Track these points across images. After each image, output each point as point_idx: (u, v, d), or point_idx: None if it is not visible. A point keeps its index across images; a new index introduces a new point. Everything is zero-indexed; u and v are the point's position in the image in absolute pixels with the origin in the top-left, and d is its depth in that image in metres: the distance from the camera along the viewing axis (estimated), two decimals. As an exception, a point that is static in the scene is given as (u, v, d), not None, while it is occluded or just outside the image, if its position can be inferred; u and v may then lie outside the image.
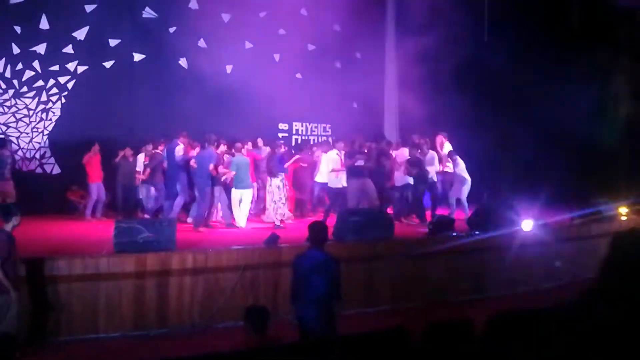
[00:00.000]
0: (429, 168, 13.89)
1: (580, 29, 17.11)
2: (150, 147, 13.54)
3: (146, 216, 12.98)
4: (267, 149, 14.32)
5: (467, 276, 10.75)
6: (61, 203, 14.51)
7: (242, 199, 12.83)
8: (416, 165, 13.64)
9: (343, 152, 13.62)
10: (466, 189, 14.13)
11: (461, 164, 14.08)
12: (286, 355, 4.29)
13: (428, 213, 13.68)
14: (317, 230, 6.43)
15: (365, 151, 13.89)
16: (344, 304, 6.68)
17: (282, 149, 13.60)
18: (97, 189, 13.67)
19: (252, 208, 13.72)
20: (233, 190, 12.83)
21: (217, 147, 13.22)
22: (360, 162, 13.02)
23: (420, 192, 13.81)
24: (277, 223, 12.69)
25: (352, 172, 13.03)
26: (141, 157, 13.59)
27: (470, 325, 3.85)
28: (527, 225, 11.49)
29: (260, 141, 14.86)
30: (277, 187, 12.93)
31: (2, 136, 13.75)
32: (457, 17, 16.69)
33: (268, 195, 13.13)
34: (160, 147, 13.56)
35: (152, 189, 13.41)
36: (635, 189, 15.10)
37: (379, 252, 10.17)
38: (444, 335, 3.73)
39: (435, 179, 14.11)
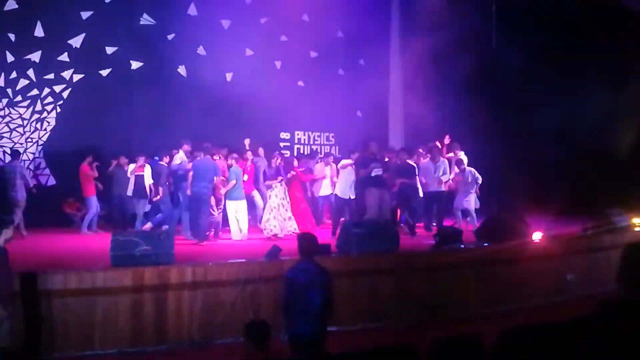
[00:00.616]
0: (442, 177, 13.79)
1: (592, 35, 17.08)
2: (143, 158, 13.46)
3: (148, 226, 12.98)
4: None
5: (476, 290, 10.69)
6: (57, 215, 14.50)
7: (238, 211, 12.83)
8: (406, 174, 13.45)
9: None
10: (474, 198, 14.14)
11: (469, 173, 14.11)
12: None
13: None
14: (308, 242, 6.45)
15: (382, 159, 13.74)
16: (348, 319, 6.67)
17: (278, 160, 13.63)
18: (95, 202, 13.73)
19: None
20: (227, 202, 12.83)
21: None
22: (378, 172, 12.74)
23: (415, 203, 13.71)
24: (265, 234, 12.76)
25: (371, 181, 12.72)
26: (132, 167, 13.51)
27: (480, 341, 3.81)
28: (538, 236, 11.45)
29: (261, 150, 14.78)
30: (275, 198, 12.96)
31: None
32: (464, 23, 16.70)
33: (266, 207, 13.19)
34: (165, 160, 13.52)
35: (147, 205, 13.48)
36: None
37: (384, 265, 10.13)
38: (452, 351, 3.70)
39: (443, 188, 13.97)
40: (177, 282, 8.77)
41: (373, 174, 12.67)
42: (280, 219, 12.91)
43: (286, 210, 13.08)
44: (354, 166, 13.38)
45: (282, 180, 13.20)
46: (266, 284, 9.20)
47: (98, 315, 8.36)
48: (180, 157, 13.07)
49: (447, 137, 15.08)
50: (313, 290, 6.10)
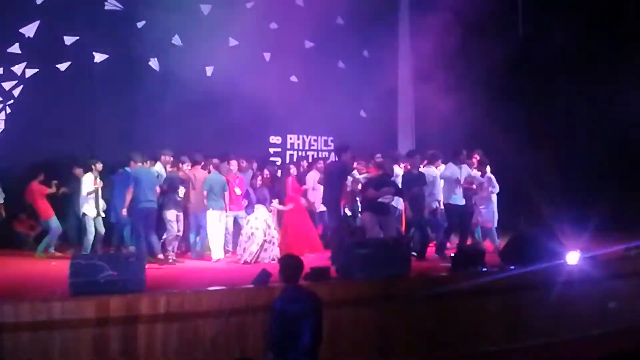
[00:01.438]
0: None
1: (635, 28, 17.16)
2: (100, 165, 13.44)
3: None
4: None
5: (501, 320, 10.69)
6: (7, 235, 14.47)
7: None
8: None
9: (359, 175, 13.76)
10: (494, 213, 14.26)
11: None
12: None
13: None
14: (293, 265, 6.57)
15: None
16: (350, 355, 6.69)
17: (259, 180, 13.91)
18: (56, 222, 13.75)
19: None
20: (209, 212, 13.12)
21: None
22: (387, 199, 12.70)
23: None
24: (243, 259, 12.87)
25: (374, 207, 12.70)
26: (89, 178, 13.37)
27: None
28: (573, 257, 11.46)
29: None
30: (254, 221, 13.10)
31: None
32: (486, 6, 16.75)
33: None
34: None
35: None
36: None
37: (393, 292, 10.12)
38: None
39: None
40: (148, 314, 8.74)
41: (380, 200, 12.62)
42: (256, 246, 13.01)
43: (264, 236, 13.10)
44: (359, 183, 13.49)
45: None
46: (254, 315, 9.17)
47: (55, 352, 8.32)
48: (158, 169, 13.25)
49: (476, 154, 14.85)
50: (305, 322, 6.12)
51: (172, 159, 13.58)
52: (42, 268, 11.91)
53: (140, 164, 12.87)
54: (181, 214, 13.19)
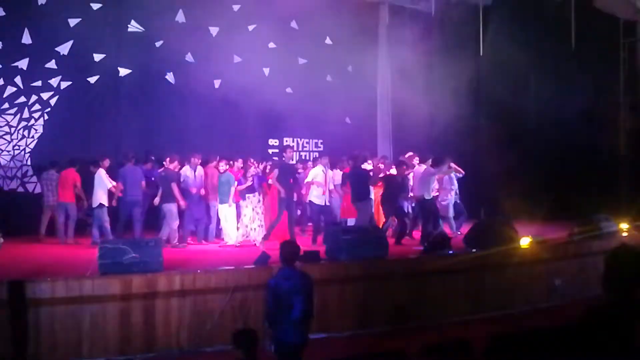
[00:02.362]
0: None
1: (577, 40, 17.23)
2: (107, 162, 13.29)
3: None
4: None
5: (465, 295, 10.71)
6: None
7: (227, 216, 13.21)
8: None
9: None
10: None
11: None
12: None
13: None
14: (289, 249, 6.54)
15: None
16: (337, 325, 6.69)
17: (253, 169, 13.66)
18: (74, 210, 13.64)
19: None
20: (224, 205, 13.15)
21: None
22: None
23: None
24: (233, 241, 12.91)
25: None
26: (102, 173, 13.04)
27: (469, 347, 3.81)
28: (526, 242, 11.48)
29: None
30: (247, 210, 13.05)
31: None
32: (451, 31, 16.80)
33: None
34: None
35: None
36: (637, 205, 15.13)
37: (373, 272, 10.13)
38: (442, 357, 3.70)
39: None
40: (165, 290, 8.74)
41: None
42: (246, 228, 12.99)
43: (253, 221, 13.07)
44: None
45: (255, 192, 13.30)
46: (255, 292, 9.17)
47: (86, 323, 8.32)
48: (185, 170, 13.35)
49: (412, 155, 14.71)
50: (297, 297, 6.14)
51: (199, 161, 13.64)
52: (75, 251, 11.85)
53: (129, 164, 12.97)
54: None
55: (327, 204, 13.58)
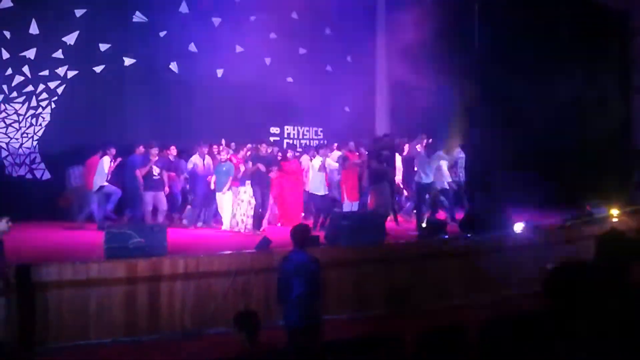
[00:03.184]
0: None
1: (570, 30, 17.16)
2: (113, 150, 13.27)
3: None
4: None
5: (460, 279, 10.72)
6: (52, 208, 14.38)
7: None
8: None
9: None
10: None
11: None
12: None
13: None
14: (299, 232, 6.57)
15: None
16: (335, 308, 6.68)
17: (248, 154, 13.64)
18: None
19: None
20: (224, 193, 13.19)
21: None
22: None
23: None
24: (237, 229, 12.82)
25: (384, 176, 12.90)
26: (106, 160, 13.13)
27: (464, 330, 3.81)
28: (519, 227, 11.48)
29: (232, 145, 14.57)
30: (244, 195, 12.94)
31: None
32: (447, 22, 16.71)
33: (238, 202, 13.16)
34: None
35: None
36: (627, 191, 15.13)
37: (371, 256, 10.13)
38: (438, 340, 3.69)
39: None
40: (169, 274, 8.74)
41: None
42: (243, 215, 12.91)
43: (251, 208, 12.99)
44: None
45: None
46: (257, 275, 9.19)
47: (92, 306, 8.32)
48: (194, 158, 13.59)
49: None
50: (298, 278, 6.17)
51: (207, 149, 13.84)
52: (81, 236, 11.83)
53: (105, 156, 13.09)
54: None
55: (327, 192, 13.52)
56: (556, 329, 2.92)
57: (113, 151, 13.22)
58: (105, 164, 13.01)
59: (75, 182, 13.85)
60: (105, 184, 13.01)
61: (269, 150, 13.32)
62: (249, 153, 13.66)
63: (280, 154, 14.47)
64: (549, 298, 3.05)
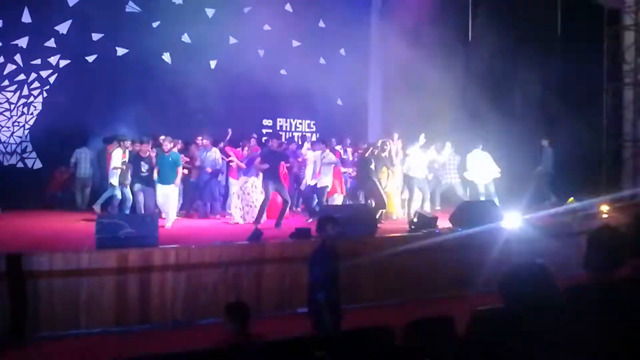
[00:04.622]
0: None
1: (564, 25, 17.21)
2: (129, 143, 13.35)
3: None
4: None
5: (450, 273, 10.75)
6: (43, 197, 14.38)
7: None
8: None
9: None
10: None
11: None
12: (267, 352, 4.27)
13: None
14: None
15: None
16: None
17: (246, 150, 13.63)
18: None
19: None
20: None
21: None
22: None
23: None
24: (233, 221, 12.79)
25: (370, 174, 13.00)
26: (118, 153, 13.27)
27: (453, 322, 3.84)
28: (510, 221, 11.53)
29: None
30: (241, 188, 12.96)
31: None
32: (441, 16, 16.72)
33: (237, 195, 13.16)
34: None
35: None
36: (617, 187, 15.20)
37: (362, 249, 10.15)
38: (427, 331, 3.72)
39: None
40: (160, 264, 8.75)
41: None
42: (244, 206, 12.91)
43: (255, 200, 12.98)
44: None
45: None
46: (248, 267, 9.20)
47: (83, 295, 8.32)
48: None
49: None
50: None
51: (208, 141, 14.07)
52: (72, 226, 11.83)
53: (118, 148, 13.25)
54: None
55: (320, 185, 13.48)
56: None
57: (127, 143, 13.22)
58: (117, 156, 13.02)
59: (85, 171, 14.08)
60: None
61: (280, 146, 13.41)
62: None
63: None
64: (501, 298, 3.09)
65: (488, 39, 16.28)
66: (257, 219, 12.27)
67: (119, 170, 12.92)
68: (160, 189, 12.45)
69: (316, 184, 13.44)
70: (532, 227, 11.76)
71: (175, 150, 12.76)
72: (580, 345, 2.86)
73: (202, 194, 13.93)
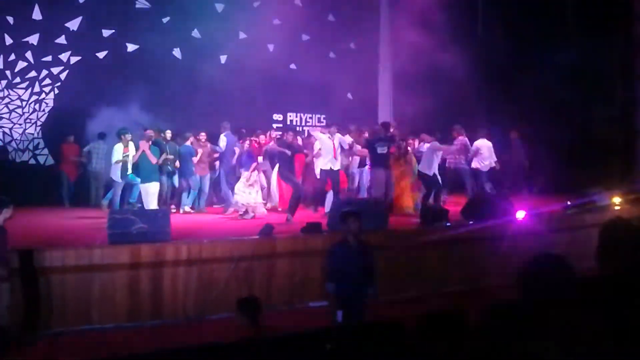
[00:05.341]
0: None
1: (574, 17, 17.08)
2: (129, 136, 13.28)
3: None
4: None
5: (461, 266, 10.72)
6: (55, 194, 14.43)
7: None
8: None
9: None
10: None
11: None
12: (278, 345, 4.26)
13: None
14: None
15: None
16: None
17: (247, 144, 13.55)
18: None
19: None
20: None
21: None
22: (383, 150, 12.79)
23: None
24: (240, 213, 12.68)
25: (379, 161, 12.83)
26: (119, 147, 13.01)
27: (464, 316, 3.82)
28: (521, 215, 11.47)
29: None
30: (244, 180, 12.83)
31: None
32: (452, 10, 16.64)
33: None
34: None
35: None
36: (629, 179, 15.09)
37: (373, 242, 10.11)
38: (438, 326, 3.70)
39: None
40: (172, 259, 8.76)
41: (379, 152, 12.75)
42: (251, 200, 12.84)
43: (257, 192, 12.93)
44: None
45: (256, 165, 13.14)
46: (259, 261, 9.21)
47: (95, 291, 8.36)
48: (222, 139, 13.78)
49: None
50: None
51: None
52: (84, 222, 11.86)
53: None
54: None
55: (334, 168, 13.16)
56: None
57: (129, 137, 13.17)
58: (118, 150, 12.96)
59: (97, 165, 14.04)
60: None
61: (296, 138, 13.50)
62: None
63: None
64: (520, 291, 3.05)
65: (498, 30, 16.21)
66: (291, 211, 12.10)
67: (121, 165, 12.89)
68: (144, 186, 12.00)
69: (330, 168, 13.14)
70: (541, 221, 11.70)
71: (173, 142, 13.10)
72: (593, 338, 2.84)
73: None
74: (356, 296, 6.57)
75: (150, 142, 12.20)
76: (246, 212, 12.55)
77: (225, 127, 13.85)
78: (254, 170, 12.91)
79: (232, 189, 13.16)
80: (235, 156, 13.87)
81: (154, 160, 11.92)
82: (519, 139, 15.87)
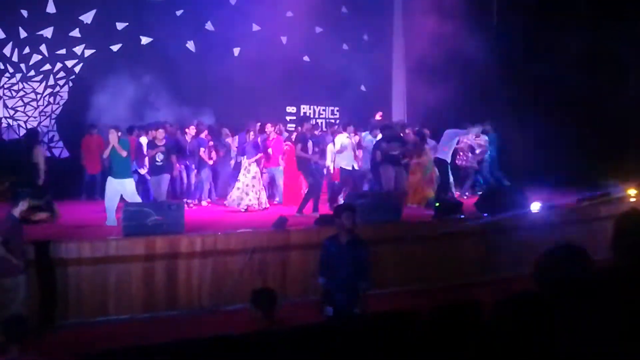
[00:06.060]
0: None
1: (589, 8, 16.93)
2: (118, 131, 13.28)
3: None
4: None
5: (475, 258, 10.72)
6: (70, 186, 14.50)
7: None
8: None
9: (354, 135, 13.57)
10: None
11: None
12: (293, 337, 4.30)
13: None
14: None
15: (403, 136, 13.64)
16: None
17: (252, 135, 13.46)
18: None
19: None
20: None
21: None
22: (395, 152, 12.74)
23: None
24: (241, 209, 12.58)
25: (389, 159, 12.73)
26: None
27: (478, 307, 3.84)
28: (536, 207, 11.44)
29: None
30: (246, 172, 12.80)
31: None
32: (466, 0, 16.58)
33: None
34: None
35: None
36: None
37: (387, 235, 10.15)
38: (452, 317, 3.72)
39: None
40: (187, 251, 8.82)
41: (391, 153, 12.67)
42: (255, 193, 12.79)
43: (257, 192, 12.81)
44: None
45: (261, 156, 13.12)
46: (273, 253, 9.25)
47: (111, 282, 8.44)
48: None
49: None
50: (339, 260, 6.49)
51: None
52: (101, 214, 11.93)
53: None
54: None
55: (356, 168, 13.25)
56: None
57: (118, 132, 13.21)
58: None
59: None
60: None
61: (313, 129, 13.37)
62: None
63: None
64: (536, 281, 3.05)
65: (514, 24, 16.10)
66: (315, 208, 11.97)
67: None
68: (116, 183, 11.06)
69: (353, 167, 13.11)
70: (556, 213, 11.67)
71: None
72: (608, 330, 2.84)
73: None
74: (346, 290, 6.49)
75: (119, 135, 11.42)
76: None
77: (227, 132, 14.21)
78: (254, 161, 12.88)
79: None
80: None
81: (124, 153, 10.90)
82: (494, 132, 15.63)
